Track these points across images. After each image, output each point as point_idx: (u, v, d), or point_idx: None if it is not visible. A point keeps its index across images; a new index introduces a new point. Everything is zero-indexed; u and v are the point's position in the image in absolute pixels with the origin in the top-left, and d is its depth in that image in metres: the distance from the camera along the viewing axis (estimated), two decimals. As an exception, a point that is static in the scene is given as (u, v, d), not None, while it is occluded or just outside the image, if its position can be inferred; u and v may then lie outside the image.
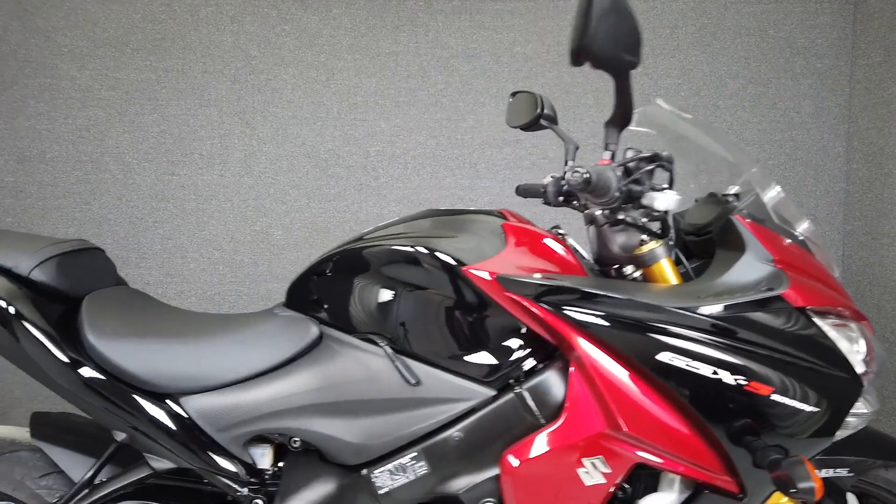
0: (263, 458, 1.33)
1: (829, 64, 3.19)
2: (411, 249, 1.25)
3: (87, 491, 1.26)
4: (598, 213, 1.28)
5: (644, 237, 1.26)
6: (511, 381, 1.25)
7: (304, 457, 1.31)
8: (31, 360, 1.28)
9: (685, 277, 1.30)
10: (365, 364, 1.26)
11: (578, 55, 1.09)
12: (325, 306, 1.33)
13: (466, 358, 1.25)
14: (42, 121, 3.13)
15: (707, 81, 3.22)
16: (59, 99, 3.14)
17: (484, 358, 1.25)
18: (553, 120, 1.50)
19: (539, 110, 1.48)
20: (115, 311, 1.35)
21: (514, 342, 1.25)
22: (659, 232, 1.28)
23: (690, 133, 1.38)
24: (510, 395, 1.23)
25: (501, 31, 3.20)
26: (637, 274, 1.29)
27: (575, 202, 1.45)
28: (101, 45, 3.13)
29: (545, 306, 1.19)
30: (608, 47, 1.05)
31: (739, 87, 3.22)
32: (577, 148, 1.50)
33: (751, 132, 3.23)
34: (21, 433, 1.43)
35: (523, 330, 1.24)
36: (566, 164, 1.47)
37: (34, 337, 1.25)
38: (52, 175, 3.14)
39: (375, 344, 1.26)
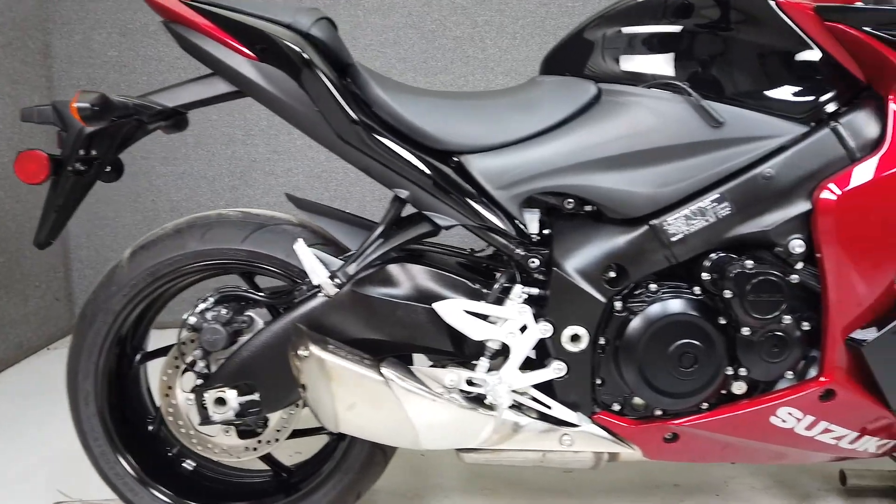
0: (532, 222, 1.31)
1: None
2: None
3: (381, 241, 1.25)
4: None
5: None
6: (819, 118, 1.22)
7: (576, 218, 1.29)
8: (313, 116, 1.25)
9: None
10: (656, 112, 1.23)
11: None
12: (598, 64, 1.30)
13: (774, 94, 1.22)
14: (144, -8, 3.05)
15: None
16: (160, -31, 3.05)
17: (793, 94, 1.22)
18: None
19: None
20: (386, 77, 1.34)
21: (820, 77, 1.22)
22: None
23: None
24: (825, 130, 1.20)
25: None
26: None
27: None
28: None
29: (870, 32, 1.17)
30: None
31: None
32: None
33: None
34: (277, 213, 1.42)
35: (830, 66, 1.21)
36: None
37: (327, 89, 1.23)
38: (155, 49, 3.07)
39: (669, 90, 1.24)
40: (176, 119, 1.39)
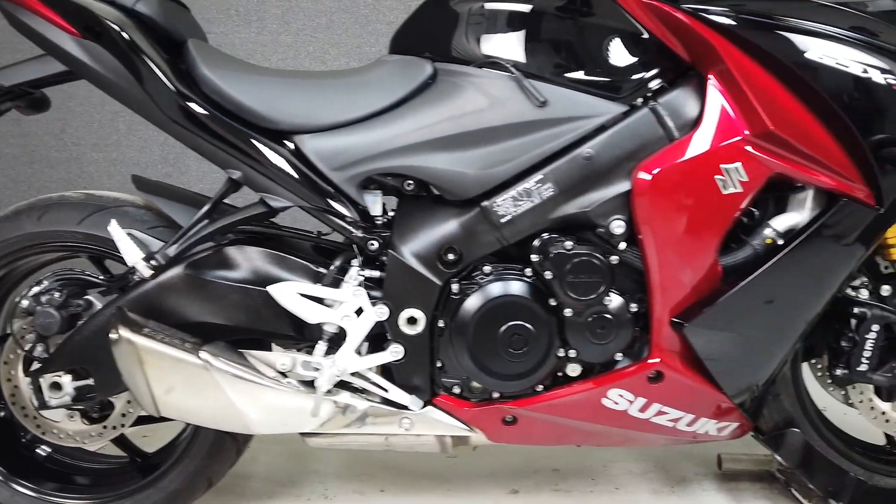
0: (375, 205, 1.29)
1: None
2: None
3: (206, 222, 1.23)
4: None
5: None
6: (642, 98, 1.21)
7: (417, 201, 1.27)
8: (139, 95, 1.24)
9: None
10: (485, 92, 1.22)
11: None
12: (439, 42, 1.29)
13: (595, 74, 1.21)
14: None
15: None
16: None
17: (614, 73, 1.21)
18: None
19: None
20: (223, 56, 1.32)
21: (645, 58, 1.21)
22: None
23: None
24: (644, 111, 1.19)
25: None
26: None
27: None
28: None
29: (689, 12, 1.15)
30: None
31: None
32: None
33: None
34: (123, 195, 1.40)
35: (655, 46, 1.20)
36: None
37: (149, 67, 1.21)
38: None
39: (497, 69, 1.22)
40: (28, 99, 1.37)
